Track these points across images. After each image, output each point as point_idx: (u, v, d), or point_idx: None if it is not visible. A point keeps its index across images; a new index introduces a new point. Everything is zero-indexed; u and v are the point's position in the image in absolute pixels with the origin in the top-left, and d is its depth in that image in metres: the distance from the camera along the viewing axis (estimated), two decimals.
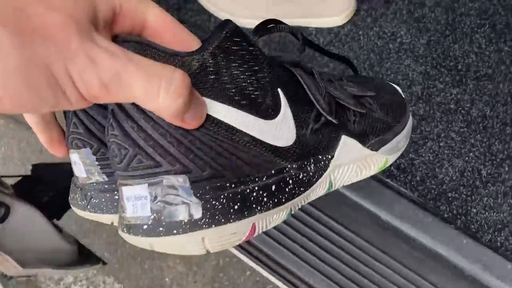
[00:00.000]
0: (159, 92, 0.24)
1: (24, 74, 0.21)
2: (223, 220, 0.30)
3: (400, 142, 0.43)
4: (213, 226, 0.29)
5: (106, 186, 0.38)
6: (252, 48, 0.31)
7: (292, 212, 0.35)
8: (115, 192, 0.37)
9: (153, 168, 0.29)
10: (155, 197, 0.29)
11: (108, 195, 0.38)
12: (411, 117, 0.46)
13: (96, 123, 0.37)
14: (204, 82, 0.28)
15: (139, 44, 0.27)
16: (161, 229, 0.29)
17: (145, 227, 0.29)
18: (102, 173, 0.37)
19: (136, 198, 0.29)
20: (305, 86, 0.35)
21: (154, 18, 0.28)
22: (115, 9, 0.26)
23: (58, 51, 0.21)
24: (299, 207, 0.36)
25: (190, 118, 0.27)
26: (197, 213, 0.29)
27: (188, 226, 0.29)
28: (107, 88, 0.22)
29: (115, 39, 0.27)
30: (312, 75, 0.37)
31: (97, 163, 0.37)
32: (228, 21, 0.30)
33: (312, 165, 0.35)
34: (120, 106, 0.28)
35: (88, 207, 0.38)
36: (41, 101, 0.22)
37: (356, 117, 0.39)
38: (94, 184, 0.38)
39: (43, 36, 0.21)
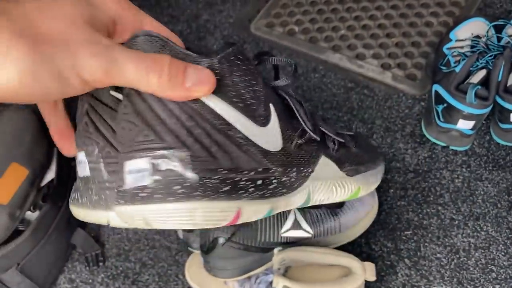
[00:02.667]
0: (148, 75, 0.28)
1: (34, 73, 0.25)
2: (213, 196, 0.33)
3: (371, 177, 0.51)
4: (204, 199, 0.33)
5: (107, 184, 0.35)
6: (251, 67, 0.36)
7: (272, 213, 0.39)
8: (115, 190, 0.34)
9: (158, 143, 0.32)
10: (156, 169, 0.32)
11: (107, 192, 0.35)
12: (383, 164, 0.55)
13: (106, 124, 0.35)
14: None
15: (160, 39, 0.30)
16: (157, 196, 0.32)
17: (142, 194, 0.32)
18: (105, 171, 0.35)
19: (138, 171, 0.32)
20: (294, 108, 0.41)
21: (149, 27, 0.31)
22: (114, 20, 0.29)
23: (62, 51, 0.26)
24: (278, 211, 0.40)
25: (194, 86, 0.29)
26: (192, 187, 0.32)
27: (183, 195, 0.32)
28: (107, 73, 0.27)
29: (135, 33, 0.30)
30: (300, 103, 0.43)
31: (101, 160, 0.35)
32: (234, 43, 0.35)
33: (294, 173, 0.40)
34: (133, 89, 0.31)
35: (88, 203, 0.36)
36: (49, 91, 0.26)
37: (335, 145, 0.46)
38: (97, 182, 0.36)
39: (50, 41, 0.26)
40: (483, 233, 0.66)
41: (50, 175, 0.65)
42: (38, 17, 0.26)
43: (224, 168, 0.34)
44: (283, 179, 0.39)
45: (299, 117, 0.42)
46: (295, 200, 0.42)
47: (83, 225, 0.73)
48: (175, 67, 0.29)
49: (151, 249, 0.72)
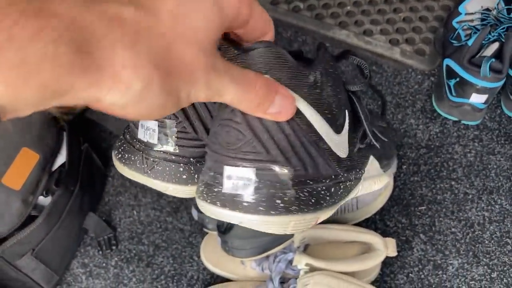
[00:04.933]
0: (241, 103, 0.29)
1: (161, 101, 0.26)
2: (305, 210, 0.34)
3: (394, 167, 0.53)
4: (299, 213, 0.34)
5: (173, 157, 0.40)
6: (337, 73, 0.36)
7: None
8: (181, 164, 0.40)
9: (263, 156, 0.32)
10: (260, 181, 0.33)
11: (173, 166, 0.40)
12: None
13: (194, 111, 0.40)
14: (311, 94, 0.33)
15: (277, 51, 0.31)
16: (261, 208, 0.33)
17: (245, 204, 0.33)
18: (176, 144, 0.40)
19: (239, 178, 0.33)
20: (361, 115, 0.41)
21: (259, 18, 0.31)
22: (243, 20, 0.29)
23: (185, 82, 0.26)
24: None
25: (274, 114, 0.31)
26: (290, 201, 0.33)
27: (283, 210, 0.33)
28: (209, 99, 0.28)
29: (243, 43, 0.31)
30: (365, 108, 0.43)
31: (176, 135, 0.40)
32: (323, 44, 0.36)
33: (353, 176, 0.41)
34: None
35: (149, 172, 0.40)
36: (165, 113, 0.27)
37: (378, 142, 0.46)
38: (162, 152, 0.40)
39: (178, 73, 0.26)
40: (497, 206, 0.67)
41: (61, 159, 0.64)
42: (173, 42, 0.25)
43: (311, 179, 0.35)
44: (347, 184, 0.40)
45: (365, 124, 0.41)
46: (347, 201, 0.43)
47: (95, 209, 0.72)
48: (266, 94, 0.30)
49: (164, 232, 0.72)
